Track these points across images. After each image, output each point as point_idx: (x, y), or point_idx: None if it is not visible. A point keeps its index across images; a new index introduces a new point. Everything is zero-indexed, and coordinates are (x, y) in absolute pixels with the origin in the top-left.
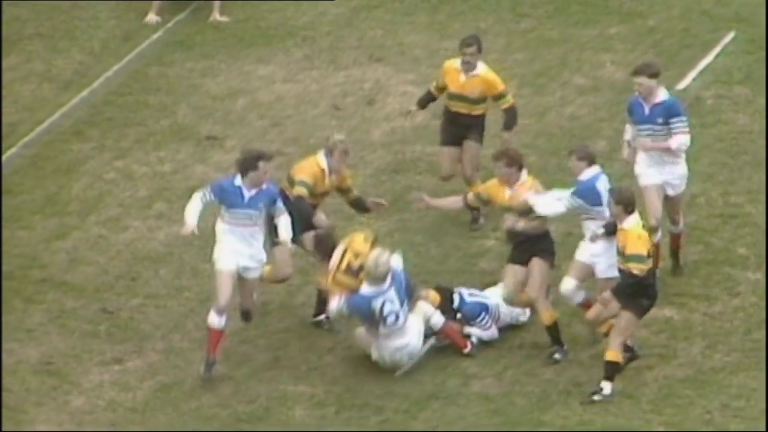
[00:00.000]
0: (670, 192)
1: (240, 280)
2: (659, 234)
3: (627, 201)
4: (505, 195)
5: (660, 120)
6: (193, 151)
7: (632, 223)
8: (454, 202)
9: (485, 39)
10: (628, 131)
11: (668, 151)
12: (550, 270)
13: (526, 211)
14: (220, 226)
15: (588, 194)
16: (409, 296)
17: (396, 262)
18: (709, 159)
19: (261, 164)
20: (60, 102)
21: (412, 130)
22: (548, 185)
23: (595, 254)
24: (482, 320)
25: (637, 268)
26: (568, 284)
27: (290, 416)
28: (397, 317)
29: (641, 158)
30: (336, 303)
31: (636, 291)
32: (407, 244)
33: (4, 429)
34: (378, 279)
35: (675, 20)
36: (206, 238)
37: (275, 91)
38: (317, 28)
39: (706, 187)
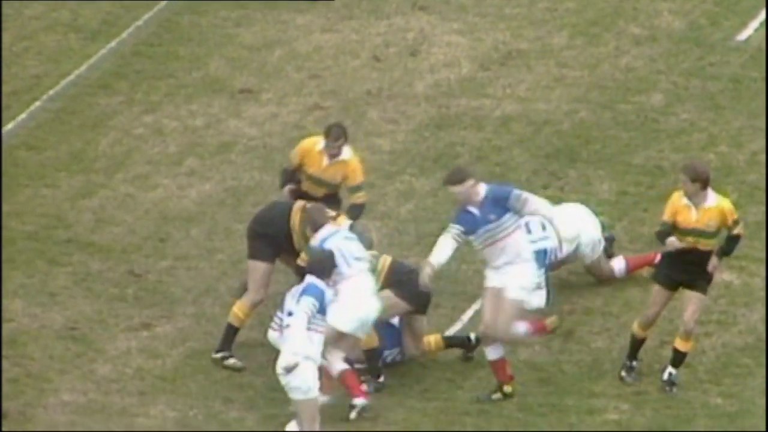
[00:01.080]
0: (509, 295)
1: None
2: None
3: (704, 177)
4: None
5: (493, 215)
6: (226, 105)
7: (715, 197)
8: None
9: None
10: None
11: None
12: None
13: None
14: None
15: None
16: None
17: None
18: None
19: None
20: (87, 53)
21: (458, 83)
22: (602, 140)
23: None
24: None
25: (741, 228)
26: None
27: None
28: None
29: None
30: None
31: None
32: (451, 203)
33: (27, 396)
34: None
35: None
36: (239, 196)
37: (313, 42)
38: None
39: None
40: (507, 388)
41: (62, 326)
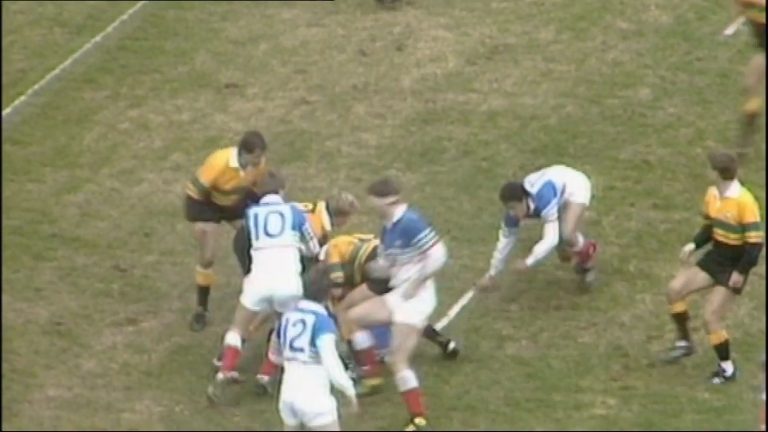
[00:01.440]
0: (396, 318)
1: None
2: None
3: (723, 166)
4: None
5: (398, 242)
6: (212, 100)
7: (738, 190)
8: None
9: None
10: None
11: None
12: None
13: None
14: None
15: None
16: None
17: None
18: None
19: None
20: (72, 47)
21: (444, 77)
22: (589, 135)
23: None
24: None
25: (756, 236)
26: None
27: None
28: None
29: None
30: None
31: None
32: (438, 198)
33: (12, 392)
34: None
35: None
36: None
37: (299, 36)
38: None
39: (755, 139)
40: (419, 421)
41: (47, 321)
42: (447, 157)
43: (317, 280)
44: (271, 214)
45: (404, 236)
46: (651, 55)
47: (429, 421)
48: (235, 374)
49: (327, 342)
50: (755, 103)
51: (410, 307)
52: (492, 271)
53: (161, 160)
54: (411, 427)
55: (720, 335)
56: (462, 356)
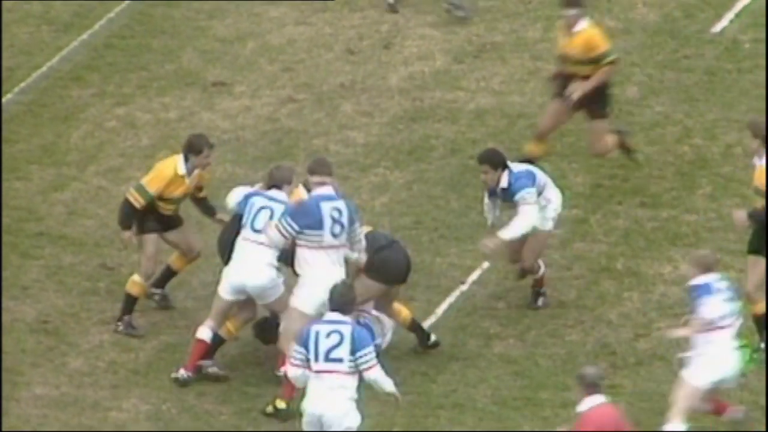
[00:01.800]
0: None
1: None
2: None
3: (755, 132)
4: None
5: None
6: (199, 98)
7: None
8: None
9: None
10: None
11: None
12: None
13: None
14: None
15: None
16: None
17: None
18: (747, 106)
19: None
20: (59, 45)
21: (432, 76)
22: (576, 133)
23: None
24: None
25: None
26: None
27: None
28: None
29: None
30: None
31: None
32: (425, 196)
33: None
34: None
35: None
36: (212, 189)
37: (287, 34)
38: None
39: (743, 136)
40: (280, 404)
41: (34, 319)
42: (435, 155)
43: (345, 292)
44: (263, 208)
45: None
46: (638, 53)
47: (417, 419)
48: (190, 374)
49: (371, 354)
50: (613, 141)
51: (304, 294)
52: (488, 223)
53: (148, 158)
54: (269, 408)
55: (762, 306)
56: (449, 354)
